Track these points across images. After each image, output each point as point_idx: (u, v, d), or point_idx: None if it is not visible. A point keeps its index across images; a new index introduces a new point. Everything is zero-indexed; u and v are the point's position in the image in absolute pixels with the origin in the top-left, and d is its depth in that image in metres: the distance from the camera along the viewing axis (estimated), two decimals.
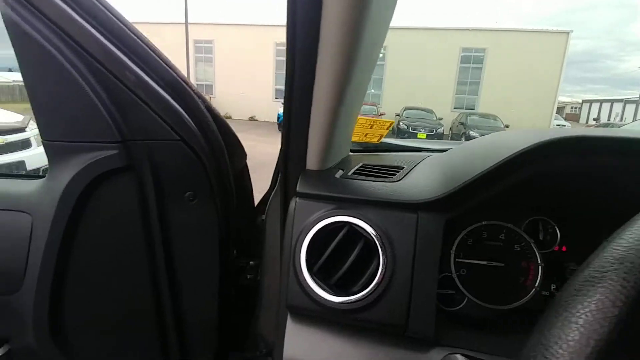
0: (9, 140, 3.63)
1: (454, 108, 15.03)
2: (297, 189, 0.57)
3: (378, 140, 0.87)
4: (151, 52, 0.63)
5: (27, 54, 0.59)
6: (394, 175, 0.63)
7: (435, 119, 12.25)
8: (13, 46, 0.59)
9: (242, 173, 0.83)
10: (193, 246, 0.70)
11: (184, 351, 0.74)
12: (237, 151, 0.78)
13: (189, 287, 0.72)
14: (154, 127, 0.62)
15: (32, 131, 4.00)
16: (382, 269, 0.51)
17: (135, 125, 0.62)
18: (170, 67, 0.65)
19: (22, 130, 3.87)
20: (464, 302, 0.60)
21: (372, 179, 0.61)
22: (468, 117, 12.36)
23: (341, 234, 0.53)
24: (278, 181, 0.75)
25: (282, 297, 0.57)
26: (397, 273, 0.51)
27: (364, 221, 0.52)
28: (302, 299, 0.53)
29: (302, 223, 0.55)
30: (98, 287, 0.68)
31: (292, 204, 0.58)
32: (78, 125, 0.61)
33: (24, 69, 0.60)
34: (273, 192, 0.79)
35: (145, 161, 0.63)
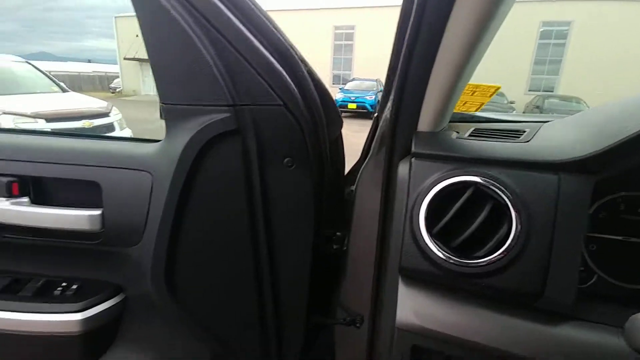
0: (95, 124, 4.09)
1: (529, 90, 13.66)
2: (413, 149, 0.56)
3: (477, 110, 0.80)
4: (262, 17, 0.65)
5: (151, 21, 0.62)
6: (519, 137, 0.58)
7: (506, 102, 11.21)
8: (136, 12, 0.62)
9: (336, 141, 0.84)
10: (290, 212, 0.71)
11: (277, 313, 0.77)
12: (334, 119, 0.78)
13: (284, 252, 0.74)
14: (260, 92, 0.64)
15: (115, 116, 4.46)
16: (515, 234, 0.48)
17: (243, 90, 0.64)
18: (278, 32, 0.66)
19: (106, 115, 4.33)
20: (594, 279, 0.56)
21: (495, 139, 0.58)
22: (545, 100, 11.22)
23: (466, 195, 0.50)
24: (372, 148, 0.74)
25: (389, 262, 0.58)
26: (533, 238, 0.48)
27: (494, 182, 0.50)
28: (418, 262, 0.52)
29: (420, 184, 0.53)
30: (206, 244, 0.72)
31: (402, 167, 0.57)
32: (195, 89, 0.64)
33: (146, 34, 0.63)
34: (366, 161, 0.76)
35: (250, 125, 0.65)
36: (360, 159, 0.86)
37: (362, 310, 0.75)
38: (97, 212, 0.72)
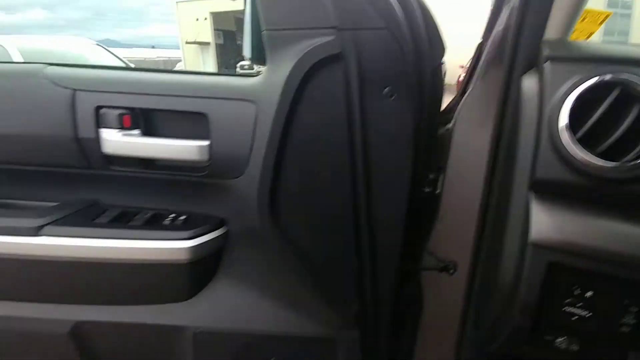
0: None
1: None
2: (548, 53, 0.54)
3: (587, 39, 0.77)
4: None
5: None
6: None
7: None
8: None
9: (437, 71, 0.80)
10: (388, 145, 0.69)
11: (372, 249, 0.76)
12: (437, 45, 0.76)
13: (381, 187, 0.72)
14: (363, 15, 0.63)
15: None
16: None
17: (346, 13, 0.63)
18: None
19: None
20: None
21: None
22: None
23: (614, 94, 0.48)
24: (472, 81, 0.73)
25: (514, 179, 0.55)
26: None
27: None
28: (558, 171, 0.50)
29: (558, 88, 0.51)
30: (307, 174, 0.71)
31: (527, 81, 0.56)
32: (298, 12, 0.64)
33: None
34: (465, 96, 0.75)
35: (352, 51, 0.64)
36: (456, 96, 0.83)
37: (455, 257, 0.76)
38: (205, 142, 0.73)
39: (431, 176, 0.81)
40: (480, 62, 0.75)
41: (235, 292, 0.84)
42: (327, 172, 0.71)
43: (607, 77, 0.49)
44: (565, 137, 0.49)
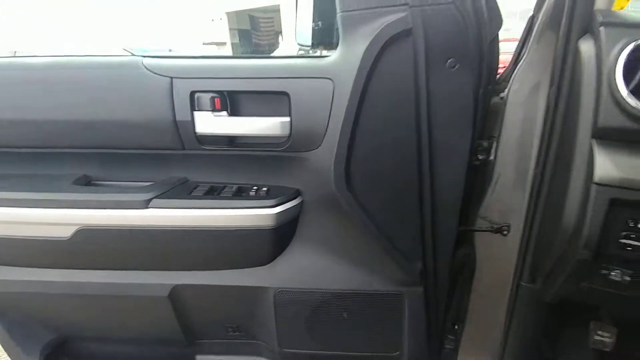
0: None
1: None
2: (601, 19, 0.62)
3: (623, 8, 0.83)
4: None
5: None
6: None
7: None
8: None
9: (494, 42, 0.86)
10: (451, 114, 0.75)
11: (433, 213, 0.82)
12: (495, 17, 0.82)
13: (442, 156, 0.78)
14: None
15: None
16: None
17: None
18: None
19: None
20: None
21: None
22: None
23: None
24: (524, 51, 0.80)
25: (578, 128, 0.63)
26: None
27: None
28: (617, 118, 0.59)
29: (613, 48, 0.59)
30: (377, 145, 0.77)
31: (584, 45, 0.63)
32: None
33: None
34: (519, 66, 0.80)
35: (420, 25, 0.69)
36: (509, 66, 0.88)
37: (509, 219, 0.82)
38: (287, 119, 0.80)
39: (485, 144, 0.87)
40: (534, 32, 0.80)
41: (310, 255, 0.92)
42: (395, 141, 0.76)
43: None
44: (622, 89, 0.58)
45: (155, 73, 0.82)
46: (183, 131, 0.84)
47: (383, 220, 0.83)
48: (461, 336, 1.02)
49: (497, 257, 0.86)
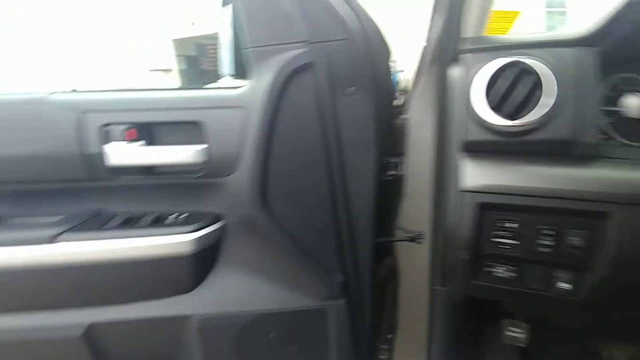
0: None
1: None
2: (467, 46, 0.71)
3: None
4: None
5: None
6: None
7: None
8: None
9: (387, 69, 0.97)
10: (356, 136, 0.83)
11: (350, 228, 0.88)
12: (384, 48, 0.94)
13: (352, 174, 0.85)
14: (328, 29, 0.78)
15: None
16: (548, 96, 0.62)
17: (313, 28, 0.78)
18: None
19: None
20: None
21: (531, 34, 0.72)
22: None
23: (512, 72, 0.64)
24: (417, 76, 0.88)
25: (451, 142, 0.71)
26: (563, 99, 0.62)
27: (534, 59, 0.63)
28: (479, 132, 0.67)
29: (473, 70, 0.67)
30: (291, 166, 0.83)
31: (454, 70, 0.71)
32: (276, 31, 0.79)
33: None
34: (416, 88, 0.88)
35: (322, 59, 0.78)
36: (410, 91, 0.97)
37: (421, 228, 0.88)
38: (203, 146, 0.83)
39: (394, 161, 0.94)
40: (422, 61, 0.90)
41: (234, 279, 0.93)
42: (306, 163, 0.83)
43: (507, 60, 0.65)
44: (482, 107, 0.66)
45: (61, 108, 0.82)
46: (93, 163, 0.83)
47: (302, 237, 0.87)
48: (395, 345, 1.05)
49: (417, 265, 0.92)
